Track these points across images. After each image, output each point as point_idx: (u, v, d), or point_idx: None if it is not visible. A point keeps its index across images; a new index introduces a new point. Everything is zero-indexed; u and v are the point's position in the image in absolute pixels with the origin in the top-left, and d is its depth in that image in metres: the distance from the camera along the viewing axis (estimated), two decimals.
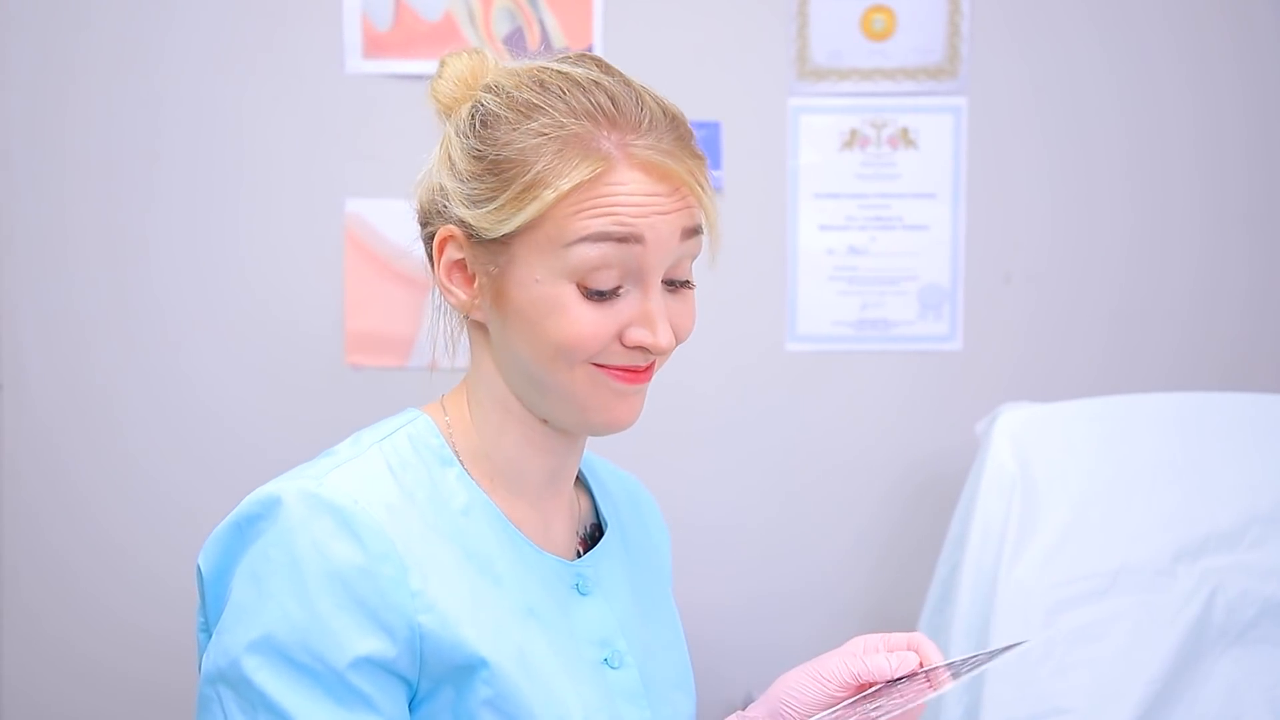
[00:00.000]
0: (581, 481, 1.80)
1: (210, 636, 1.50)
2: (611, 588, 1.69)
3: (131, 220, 2.90)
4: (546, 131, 1.50)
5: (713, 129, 2.91)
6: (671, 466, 2.93)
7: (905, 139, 2.95)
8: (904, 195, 2.97)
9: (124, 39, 2.87)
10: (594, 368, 1.52)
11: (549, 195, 1.48)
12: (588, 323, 1.49)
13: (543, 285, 1.50)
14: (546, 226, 1.49)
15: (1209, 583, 2.33)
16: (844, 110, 2.95)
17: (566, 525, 1.70)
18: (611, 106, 1.51)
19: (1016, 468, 2.44)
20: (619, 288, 1.50)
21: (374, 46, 2.87)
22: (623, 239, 1.48)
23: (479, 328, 1.61)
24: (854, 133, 2.95)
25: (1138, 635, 2.30)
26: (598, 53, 2.77)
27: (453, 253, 1.58)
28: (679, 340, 1.55)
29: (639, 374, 1.54)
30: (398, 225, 2.83)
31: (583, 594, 1.64)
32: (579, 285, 1.49)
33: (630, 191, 1.48)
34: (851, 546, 3.03)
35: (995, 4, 2.94)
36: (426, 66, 2.84)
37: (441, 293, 1.61)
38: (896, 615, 2.98)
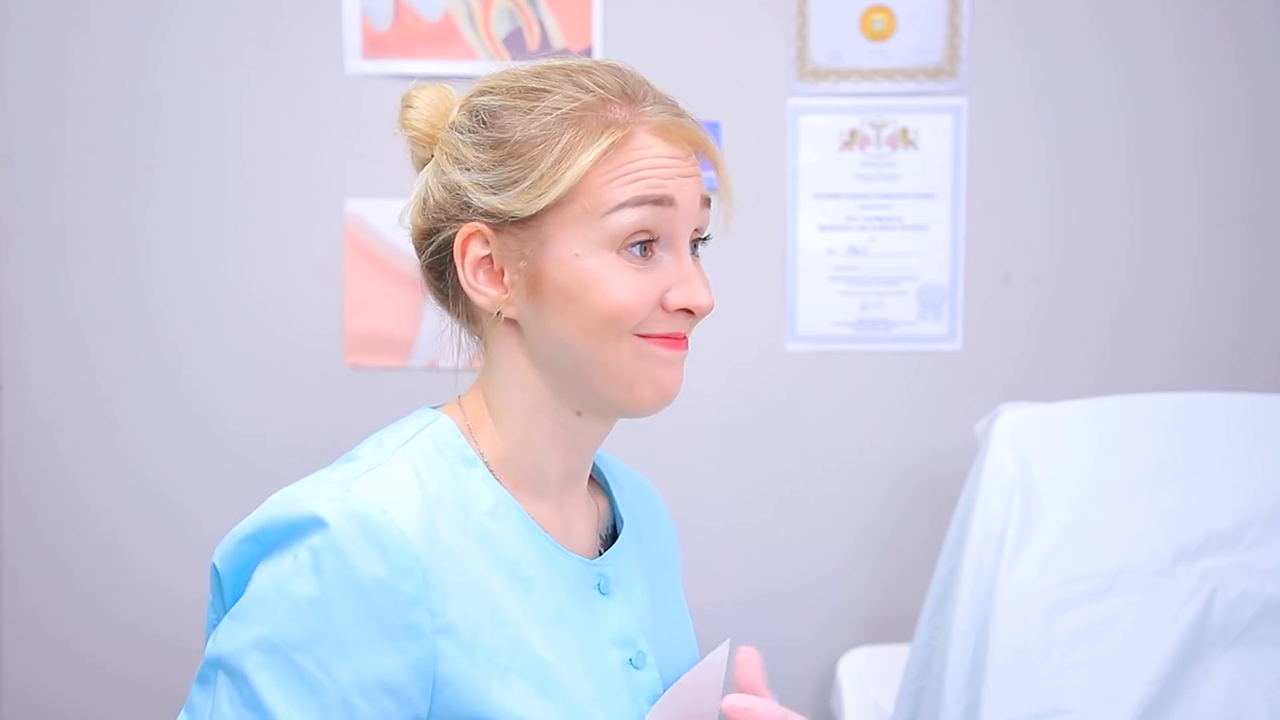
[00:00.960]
0: (599, 483, 1.80)
1: None
2: (630, 586, 1.68)
3: (131, 220, 2.90)
4: (561, 107, 1.52)
5: (713, 129, 2.91)
6: (671, 466, 2.94)
7: (905, 139, 2.96)
8: (904, 195, 2.97)
9: (124, 39, 2.87)
10: (638, 339, 1.52)
11: (585, 160, 1.50)
12: (633, 288, 1.50)
13: (583, 259, 1.51)
14: (580, 200, 1.50)
15: (1209, 583, 2.33)
16: (844, 110, 2.95)
17: (587, 526, 1.70)
18: (615, 82, 1.55)
19: (1016, 468, 2.44)
20: (655, 254, 1.52)
21: (373, 47, 2.88)
22: (658, 201, 1.50)
23: (504, 325, 1.59)
24: (854, 133, 2.96)
25: (1138, 635, 2.30)
26: (597, 53, 2.80)
27: (477, 249, 1.57)
28: (707, 310, 1.56)
29: (680, 341, 1.55)
30: (397, 225, 2.85)
31: (604, 593, 1.63)
32: (619, 253, 1.51)
33: (655, 154, 1.52)
34: (851, 546, 3.04)
35: (995, 4, 2.94)
36: (426, 67, 2.84)
37: (468, 294, 1.59)
38: (896, 615, 2.99)
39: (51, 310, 2.91)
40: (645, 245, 1.51)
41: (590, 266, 1.51)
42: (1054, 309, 3.00)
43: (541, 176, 1.51)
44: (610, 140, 1.50)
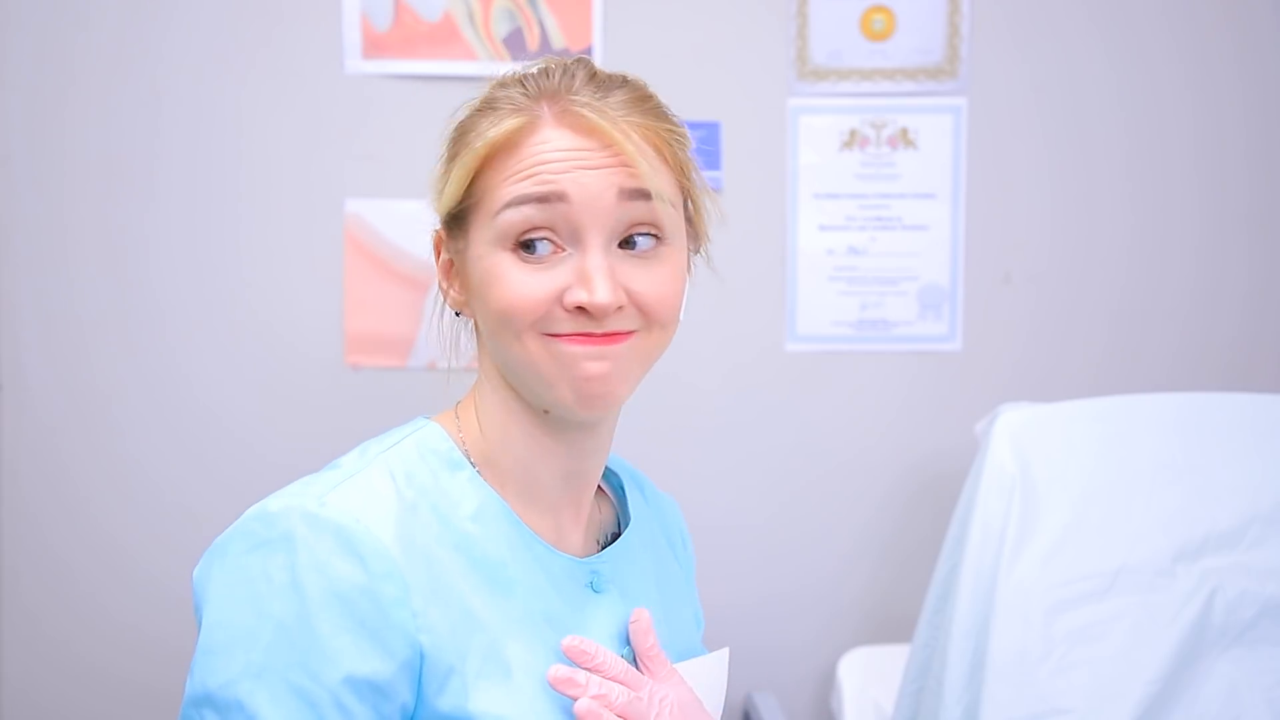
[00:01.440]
0: (605, 490, 1.80)
1: None
2: (630, 585, 1.68)
3: (131, 220, 2.90)
4: (485, 106, 1.55)
5: (713, 129, 2.91)
6: (671, 466, 2.93)
7: (905, 139, 2.95)
8: (904, 195, 2.97)
9: (124, 39, 2.87)
10: (547, 338, 1.50)
11: (467, 158, 1.52)
12: (520, 286, 1.49)
13: (484, 259, 1.52)
14: (485, 201, 1.51)
15: (1209, 583, 2.33)
16: (844, 110, 2.95)
17: (582, 531, 1.69)
18: (550, 80, 1.54)
19: (1016, 468, 2.44)
20: (556, 250, 1.50)
21: (373, 47, 2.87)
22: (543, 199, 1.48)
23: (475, 327, 1.61)
24: (854, 133, 2.96)
25: (1138, 635, 2.30)
26: (597, 53, 2.80)
27: (444, 253, 1.61)
28: (649, 307, 1.52)
29: (592, 339, 1.50)
30: (397, 225, 2.85)
31: (597, 591, 1.62)
32: (513, 251, 1.50)
33: (552, 148, 1.49)
34: (851, 547, 3.04)
35: (995, 4, 2.94)
36: (426, 67, 2.85)
37: (442, 295, 1.63)
38: (896, 615, 2.99)
39: (51, 310, 2.90)
40: (541, 243, 1.49)
41: (489, 266, 1.51)
42: (1054, 309, 3.00)
43: (449, 176, 1.54)
44: (495, 136, 1.50)
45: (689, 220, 1.62)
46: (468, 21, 2.87)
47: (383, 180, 2.88)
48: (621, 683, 1.53)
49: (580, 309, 1.48)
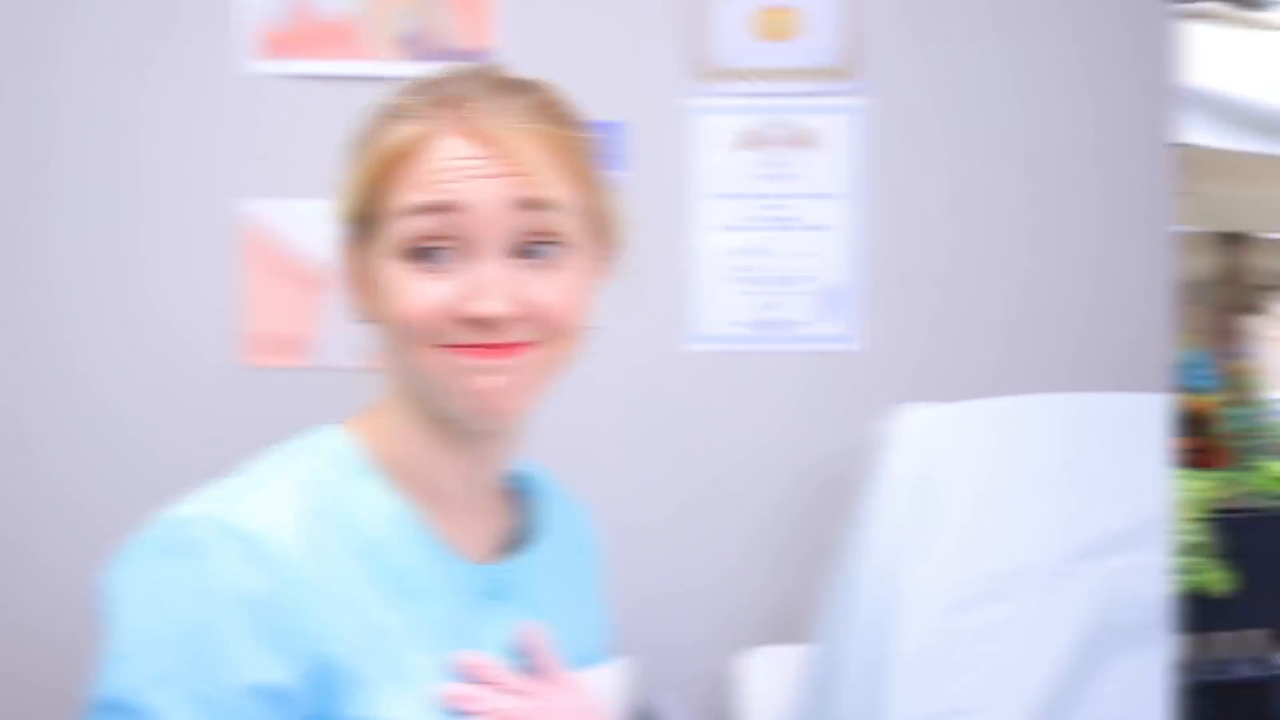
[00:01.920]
0: (514, 495, 1.79)
1: None
2: (533, 593, 1.68)
3: (24, 223, 2.86)
4: (389, 113, 1.54)
5: (611, 129, 2.91)
6: (569, 466, 2.92)
7: (804, 139, 2.96)
8: (803, 195, 2.97)
9: (14, 40, 2.83)
10: (442, 349, 1.49)
11: (364, 166, 1.52)
12: (414, 296, 1.48)
13: (382, 269, 1.51)
14: (384, 210, 1.51)
15: (1107, 583, 2.35)
16: (743, 110, 2.95)
17: (488, 537, 1.68)
18: (451, 87, 1.53)
19: (917, 468, 2.46)
20: (452, 261, 1.49)
21: (270, 46, 2.85)
22: (436, 208, 1.47)
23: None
24: (753, 133, 2.95)
25: (1037, 635, 2.32)
26: (497, 53, 2.79)
27: (351, 261, 1.60)
28: (548, 317, 1.52)
29: (489, 350, 1.50)
30: (295, 226, 2.83)
31: (499, 599, 1.62)
32: (407, 261, 1.49)
33: (447, 157, 1.48)
34: (751, 547, 3.04)
35: (895, 5, 2.95)
36: (323, 66, 2.83)
37: (350, 302, 1.62)
38: (796, 615, 2.99)
39: None
40: (436, 253, 1.48)
41: (386, 277, 1.51)
42: (954, 310, 3.01)
43: (348, 187, 1.54)
44: (391, 145, 1.50)
45: (597, 228, 1.61)
46: (366, 21, 2.85)
47: (279, 181, 2.85)
48: (517, 694, 1.53)
49: (474, 320, 1.47)
